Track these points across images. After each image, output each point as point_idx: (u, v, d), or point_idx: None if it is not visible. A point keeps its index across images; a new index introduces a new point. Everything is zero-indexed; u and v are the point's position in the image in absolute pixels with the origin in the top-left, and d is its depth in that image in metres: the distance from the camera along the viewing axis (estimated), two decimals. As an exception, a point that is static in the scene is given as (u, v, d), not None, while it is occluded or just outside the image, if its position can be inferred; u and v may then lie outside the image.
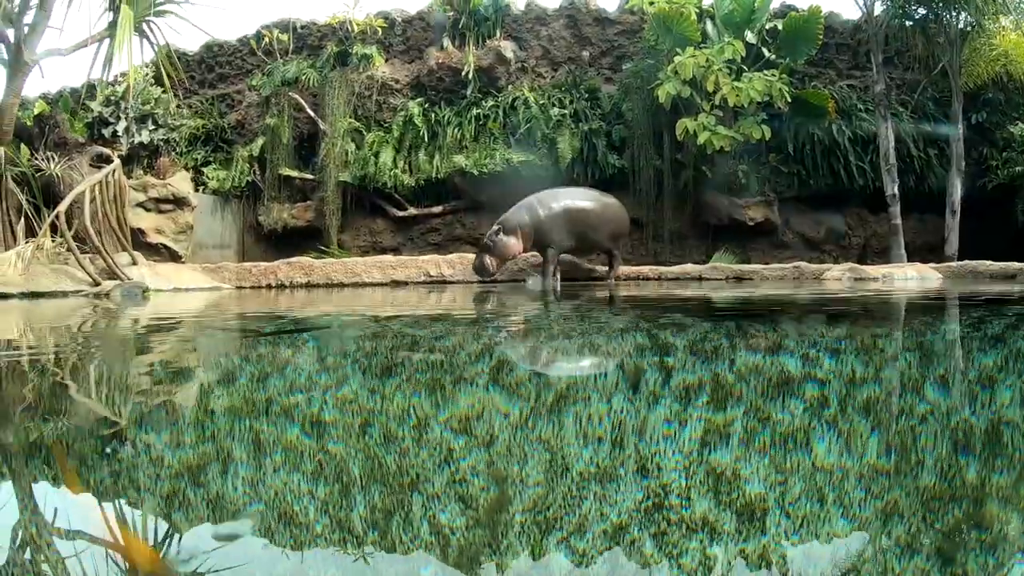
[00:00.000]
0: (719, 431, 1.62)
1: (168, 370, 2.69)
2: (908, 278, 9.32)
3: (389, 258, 10.66)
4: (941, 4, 11.76)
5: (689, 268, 10.36)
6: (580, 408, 1.89)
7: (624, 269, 10.42)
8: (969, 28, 11.92)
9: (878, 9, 12.09)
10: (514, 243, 9.21)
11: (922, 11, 12.13)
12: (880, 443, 1.54)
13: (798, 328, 3.94)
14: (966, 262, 10.14)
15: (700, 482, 1.27)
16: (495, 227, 9.25)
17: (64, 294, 8.44)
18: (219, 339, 3.73)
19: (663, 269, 10.49)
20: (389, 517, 1.12)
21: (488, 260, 9.17)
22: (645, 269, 10.59)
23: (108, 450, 1.55)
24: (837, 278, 9.28)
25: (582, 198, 9.86)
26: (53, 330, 4.40)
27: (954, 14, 11.87)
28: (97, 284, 8.63)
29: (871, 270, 9.49)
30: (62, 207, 9.05)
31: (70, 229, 8.99)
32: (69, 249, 8.92)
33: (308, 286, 9.78)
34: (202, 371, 2.67)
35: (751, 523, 1.09)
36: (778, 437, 1.55)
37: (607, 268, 10.41)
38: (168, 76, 10.66)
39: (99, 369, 2.80)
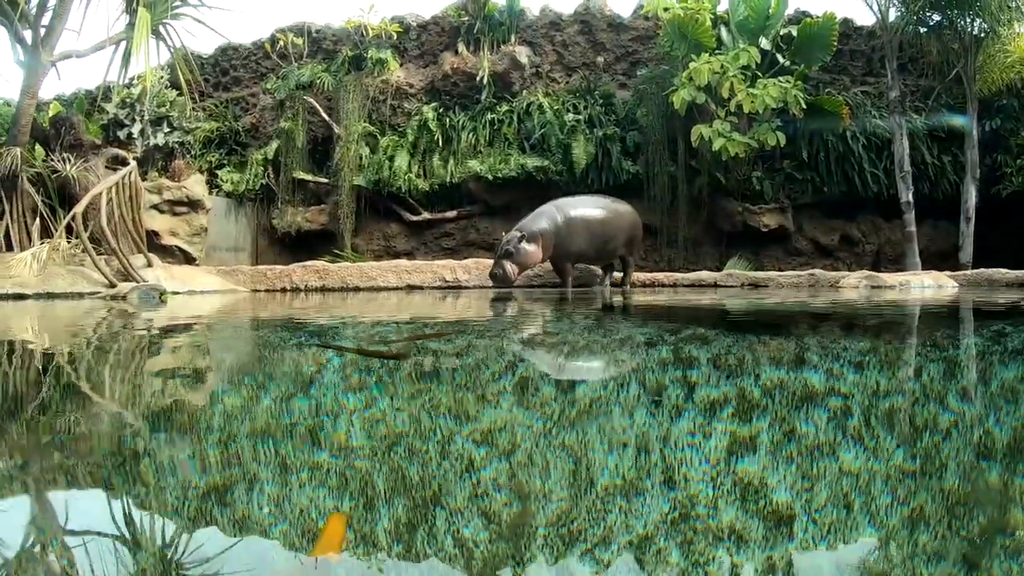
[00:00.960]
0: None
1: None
2: (925, 286, 9.28)
3: (404, 262, 10.64)
4: (956, 10, 11.76)
5: (704, 275, 10.33)
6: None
7: (639, 275, 10.39)
8: (984, 35, 11.92)
9: (893, 15, 12.10)
10: (535, 250, 9.18)
11: (937, 17, 12.14)
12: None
13: (864, 342, 3.91)
14: (982, 270, 10.11)
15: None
16: (516, 234, 9.19)
17: (80, 295, 8.42)
18: (295, 352, 3.59)
19: (678, 276, 10.46)
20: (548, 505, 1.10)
21: (509, 267, 9.11)
22: (660, 276, 10.56)
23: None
24: (854, 286, 9.24)
25: (598, 206, 9.83)
26: (119, 337, 4.39)
27: (969, 20, 11.88)
28: (113, 286, 8.61)
29: (888, 278, 9.45)
30: (79, 208, 9.04)
31: (86, 230, 8.98)
32: (85, 250, 8.91)
33: (323, 290, 9.77)
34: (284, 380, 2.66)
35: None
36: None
37: (620, 274, 10.39)
38: (184, 79, 10.69)
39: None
